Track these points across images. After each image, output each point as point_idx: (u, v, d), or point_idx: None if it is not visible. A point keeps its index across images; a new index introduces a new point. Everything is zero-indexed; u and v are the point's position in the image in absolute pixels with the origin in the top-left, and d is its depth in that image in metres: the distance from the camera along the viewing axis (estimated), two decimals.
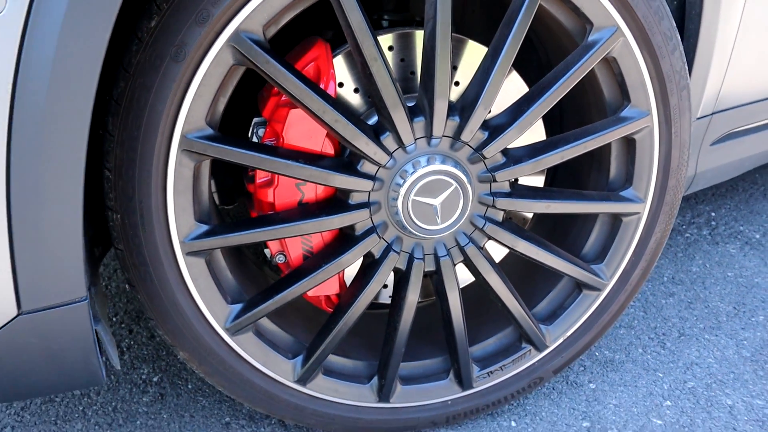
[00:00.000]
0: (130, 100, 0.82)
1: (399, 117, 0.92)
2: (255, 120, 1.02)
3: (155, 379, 1.31)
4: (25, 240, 0.72)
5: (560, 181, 1.26)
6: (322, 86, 0.96)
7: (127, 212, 0.87)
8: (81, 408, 1.24)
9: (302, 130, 0.98)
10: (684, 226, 1.93)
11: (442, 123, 0.94)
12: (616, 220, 1.12)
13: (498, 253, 1.19)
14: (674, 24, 1.00)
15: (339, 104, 0.91)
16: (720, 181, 1.60)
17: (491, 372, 1.14)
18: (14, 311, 0.76)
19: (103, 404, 1.25)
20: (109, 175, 0.86)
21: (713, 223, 1.95)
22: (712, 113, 1.37)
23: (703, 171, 1.48)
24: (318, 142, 0.99)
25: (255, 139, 1.01)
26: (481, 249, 1.05)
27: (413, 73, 1.06)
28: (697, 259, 1.77)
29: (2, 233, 0.70)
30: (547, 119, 1.23)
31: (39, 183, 0.70)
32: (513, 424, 1.23)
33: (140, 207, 0.87)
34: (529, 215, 1.21)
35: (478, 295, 1.21)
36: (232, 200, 1.31)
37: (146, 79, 0.82)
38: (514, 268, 1.23)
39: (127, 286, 0.97)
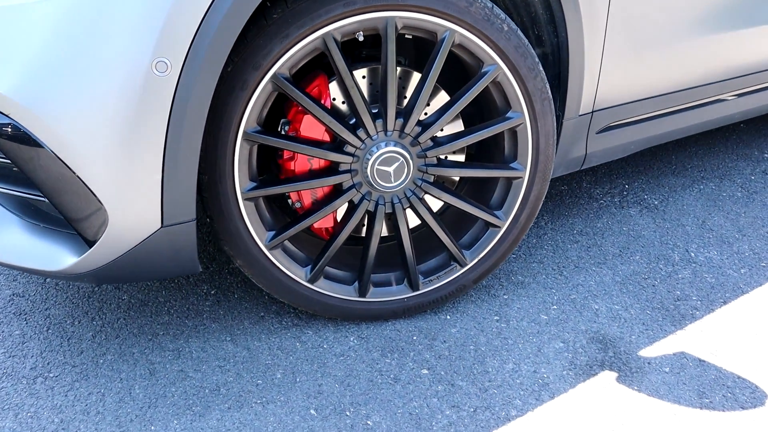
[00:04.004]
0: (215, 111, 1.56)
1: (367, 119, 1.66)
2: (282, 120, 1.76)
3: (212, 292, 2.07)
4: (169, 182, 1.45)
5: (481, 158, 2.00)
6: (322, 101, 1.71)
7: (211, 174, 1.61)
8: (166, 308, 2.00)
9: (311, 127, 1.73)
10: (601, 195, 2.67)
11: (392, 122, 1.69)
12: (509, 181, 1.86)
13: (436, 205, 1.94)
14: (536, 60, 1.74)
15: (333, 112, 1.65)
16: (610, 160, 2.33)
17: (431, 280, 1.89)
18: (159, 225, 1.51)
19: (179, 306, 2.01)
20: (201, 153, 1.60)
21: (625, 192, 2.68)
22: (592, 111, 2.09)
23: (593, 152, 2.21)
24: (320, 134, 1.74)
25: (283, 132, 1.76)
26: (421, 199, 1.80)
27: (377, 91, 1.81)
28: (603, 218, 2.50)
29: (158, 179, 1.45)
30: (478, 116, 1.98)
31: (179, 149, 1.43)
32: (448, 317, 1.98)
33: (219, 171, 1.61)
34: (456, 178, 1.96)
35: (424, 236, 1.96)
36: (260, 175, 2.06)
37: (225, 100, 1.55)
38: (451, 216, 1.99)
39: (207, 219, 1.72)
